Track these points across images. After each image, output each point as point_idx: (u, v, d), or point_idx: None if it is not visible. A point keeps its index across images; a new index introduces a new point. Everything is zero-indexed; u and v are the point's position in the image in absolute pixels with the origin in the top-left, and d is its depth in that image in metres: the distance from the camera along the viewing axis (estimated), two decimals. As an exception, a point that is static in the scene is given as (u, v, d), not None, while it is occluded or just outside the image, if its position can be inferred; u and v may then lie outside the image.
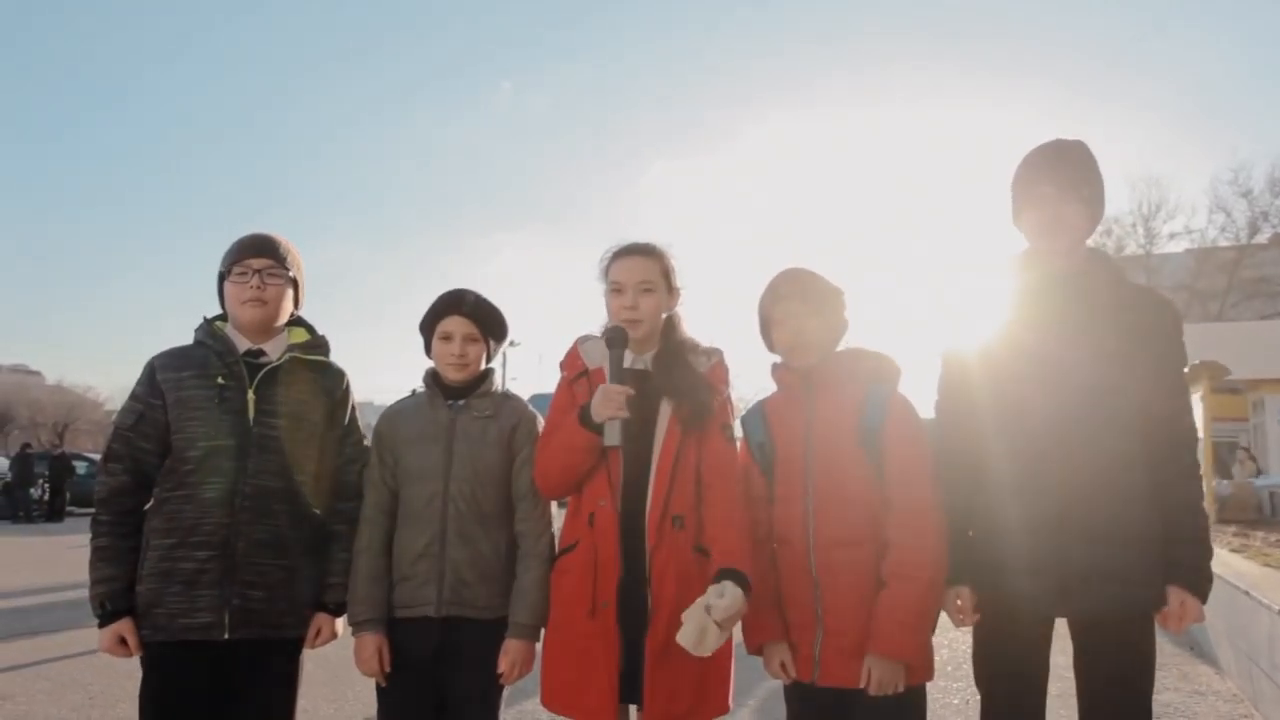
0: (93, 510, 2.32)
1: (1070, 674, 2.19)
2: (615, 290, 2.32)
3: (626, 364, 2.25)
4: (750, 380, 3.30)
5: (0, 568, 11.03)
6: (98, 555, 2.23)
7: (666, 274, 2.35)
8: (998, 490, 2.15)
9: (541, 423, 2.42)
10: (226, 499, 2.22)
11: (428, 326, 2.46)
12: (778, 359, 2.37)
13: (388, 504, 2.40)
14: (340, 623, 2.40)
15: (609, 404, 2.15)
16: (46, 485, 20.85)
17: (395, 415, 2.48)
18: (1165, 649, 6.00)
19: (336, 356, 2.49)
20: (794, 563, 2.21)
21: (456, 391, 2.43)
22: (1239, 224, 32.36)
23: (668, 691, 2.14)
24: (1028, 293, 2.22)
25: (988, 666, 2.26)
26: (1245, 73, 62.05)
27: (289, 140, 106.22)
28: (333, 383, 2.45)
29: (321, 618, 2.35)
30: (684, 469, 2.23)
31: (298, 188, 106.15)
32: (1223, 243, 32.64)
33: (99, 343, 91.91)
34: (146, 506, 2.28)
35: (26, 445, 24.39)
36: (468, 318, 2.42)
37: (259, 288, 2.32)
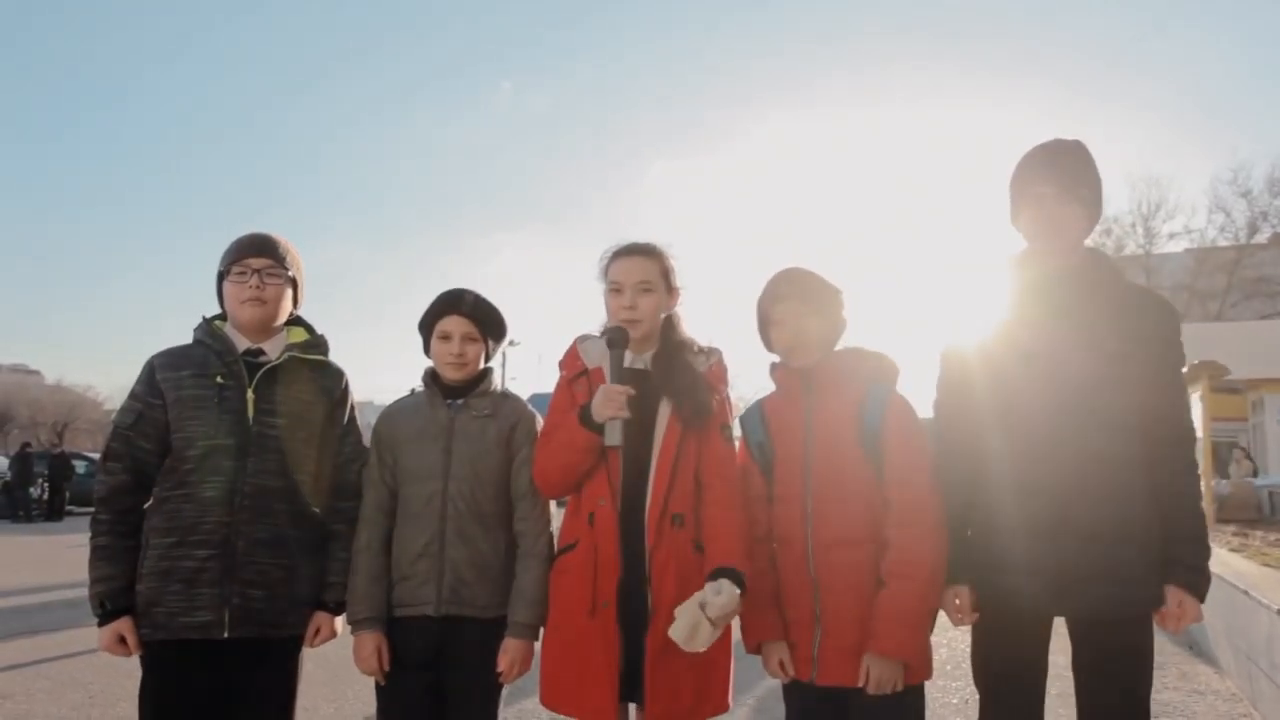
0: (92, 509, 2.32)
1: (1070, 674, 2.19)
2: (614, 290, 2.32)
3: (626, 364, 2.25)
4: (750, 380, 3.31)
5: (0, 567, 11.03)
6: (97, 554, 2.23)
7: (666, 274, 2.36)
8: (996, 489, 2.16)
9: (540, 422, 2.42)
10: (226, 498, 2.23)
11: (427, 326, 2.46)
12: (776, 359, 2.37)
13: (387, 503, 2.40)
14: (340, 622, 2.40)
15: (610, 404, 2.15)
16: (46, 484, 20.85)
17: (394, 414, 2.48)
18: (1164, 648, 6.00)
19: (336, 356, 2.50)
20: (793, 562, 2.22)
21: (455, 391, 2.44)
22: (1238, 224, 32.39)
23: (668, 690, 2.14)
24: (1026, 292, 2.22)
25: (986, 665, 2.26)
26: (1245, 73, 62.11)
27: (289, 140, 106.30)
28: (332, 382, 2.45)
29: (321, 617, 2.36)
30: (683, 468, 2.24)
31: (298, 188, 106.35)
32: (1222, 243, 32.63)
33: (99, 342, 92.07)
34: (146, 505, 2.29)
35: (26, 444, 24.36)
36: (467, 317, 2.43)
37: (258, 287, 2.32)
